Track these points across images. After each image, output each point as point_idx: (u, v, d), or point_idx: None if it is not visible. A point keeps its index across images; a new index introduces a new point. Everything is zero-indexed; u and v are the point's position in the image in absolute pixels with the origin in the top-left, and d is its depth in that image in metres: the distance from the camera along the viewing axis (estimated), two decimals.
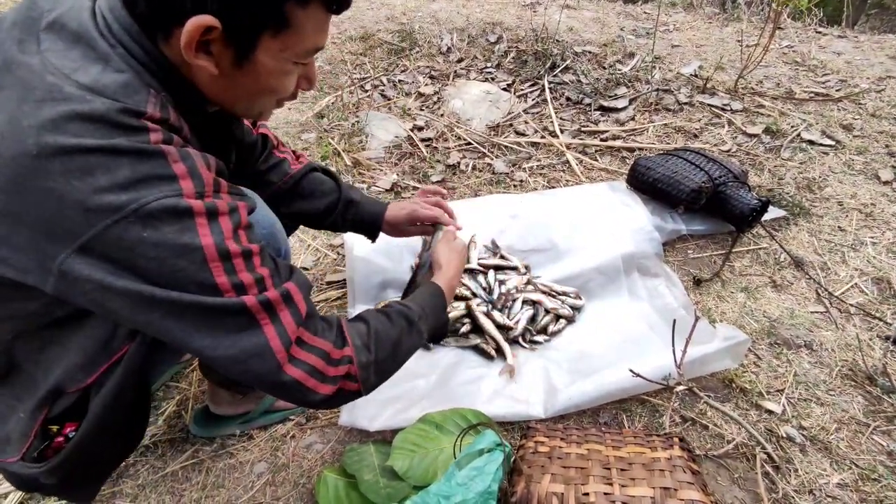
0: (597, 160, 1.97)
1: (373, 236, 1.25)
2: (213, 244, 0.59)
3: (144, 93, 0.59)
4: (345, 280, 1.45)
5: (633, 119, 2.17)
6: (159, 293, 0.58)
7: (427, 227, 1.24)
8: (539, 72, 2.41)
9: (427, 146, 2.07)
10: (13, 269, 0.58)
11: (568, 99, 2.30)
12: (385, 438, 1.08)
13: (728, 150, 1.95)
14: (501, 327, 1.31)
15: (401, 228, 1.23)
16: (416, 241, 1.51)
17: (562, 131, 2.12)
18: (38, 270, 0.58)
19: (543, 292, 1.39)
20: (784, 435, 1.08)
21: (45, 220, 0.55)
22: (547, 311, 1.34)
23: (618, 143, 2.04)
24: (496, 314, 1.31)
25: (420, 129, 2.16)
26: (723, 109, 2.15)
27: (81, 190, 0.54)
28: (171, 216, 0.57)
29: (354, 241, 1.47)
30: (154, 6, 0.58)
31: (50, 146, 0.53)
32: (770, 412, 1.13)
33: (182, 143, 0.61)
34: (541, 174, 1.93)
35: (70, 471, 0.73)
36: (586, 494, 0.82)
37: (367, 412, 1.10)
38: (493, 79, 2.43)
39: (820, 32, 2.87)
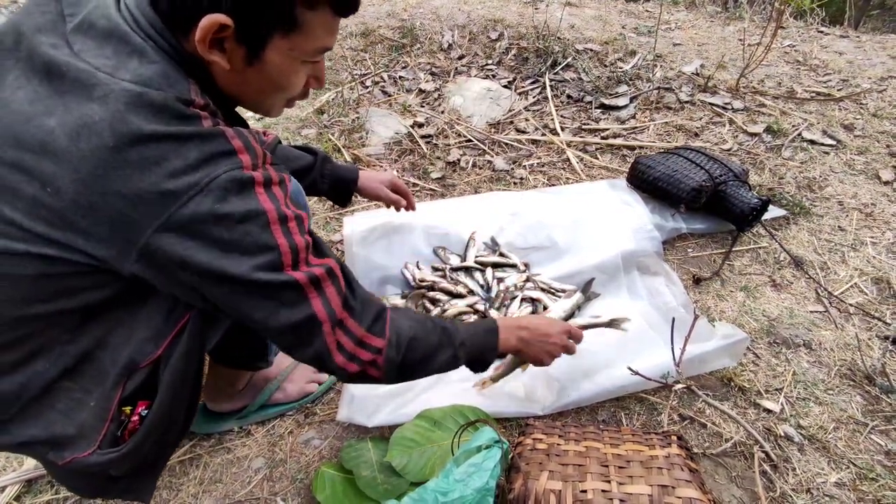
0: (597, 158, 1.97)
1: (348, 194, 1.30)
2: (273, 209, 0.65)
3: (185, 81, 0.63)
4: None
5: (633, 117, 2.16)
6: (227, 269, 0.62)
7: (395, 197, 1.36)
8: (540, 69, 2.40)
9: (427, 143, 2.06)
10: (93, 258, 0.62)
11: (569, 97, 2.29)
12: (383, 434, 1.08)
13: (729, 149, 1.94)
14: None
15: (375, 187, 1.32)
16: (419, 244, 1.50)
17: (562, 129, 2.12)
18: (116, 257, 0.62)
19: (543, 290, 1.39)
20: (782, 434, 1.08)
21: (123, 208, 0.59)
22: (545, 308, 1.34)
23: (618, 141, 2.03)
24: (493, 313, 1.31)
25: (420, 125, 2.16)
26: (724, 108, 2.14)
27: (158, 174, 0.58)
28: (237, 187, 0.62)
29: (353, 238, 1.47)
30: (175, 4, 0.62)
31: (125, 136, 0.57)
32: (768, 411, 1.13)
33: (226, 123, 0.66)
34: (541, 172, 1.92)
35: (144, 454, 0.75)
36: (584, 492, 0.82)
37: (365, 408, 1.09)
38: (494, 76, 2.42)
39: (822, 32, 2.86)
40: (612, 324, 1.18)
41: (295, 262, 0.67)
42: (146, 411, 0.74)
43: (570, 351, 1.04)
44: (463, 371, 1.21)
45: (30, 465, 1.08)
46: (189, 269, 0.62)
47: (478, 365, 0.95)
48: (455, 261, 1.47)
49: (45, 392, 0.70)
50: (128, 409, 0.74)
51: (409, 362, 0.79)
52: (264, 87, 0.73)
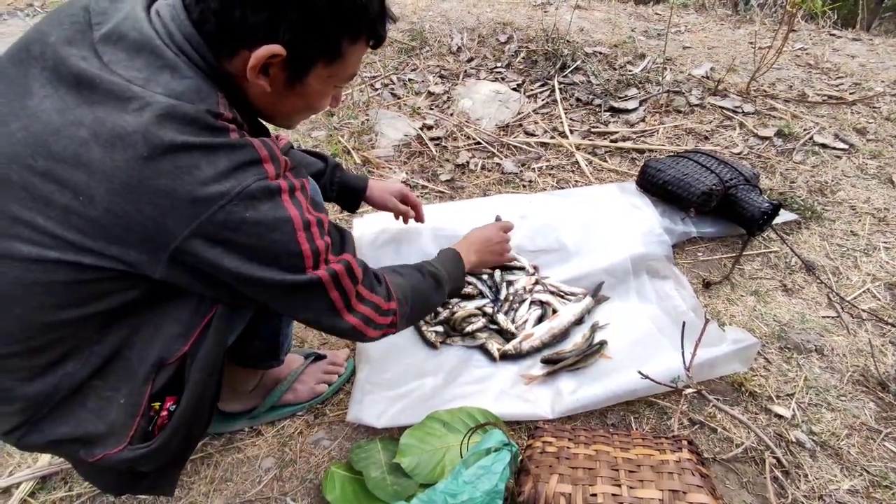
0: (606, 161, 1.97)
1: (356, 201, 1.32)
2: (298, 216, 0.68)
3: (214, 95, 0.64)
4: None
5: (643, 120, 2.16)
6: (255, 273, 0.67)
7: (404, 208, 1.37)
8: (549, 72, 2.40)
9: (436, 145, 2.07)
10: (124, 264, 0.64)
11: (578, 99, 2.29)
12: (392, 436, 1.08)
13: (739, 153, 1.93)
14: (505, 332, 1.30)
15: (384, 197, 1.34)
16: (428, 246, 1.50)
17: (571, 132, 2.12)
18: (148, 262, 0.64)
19: (552, 293, 1.39)
20: (794, 440, 1.07)
21: (156, 216, 0.61)
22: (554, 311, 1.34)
23: (628, 144, 2.03)
24: (500, 318, 1.31)
25: (429, 128, 2.16)
26: (734, 111, 2.13)
27: (190, 183, 0.60)
28: (265, 196, 0.65)
29: (363, 240, 1.48)
30: (227, 29, 0.64)
31: (159, 147, 0.59)
32: (780, 417, 1.12)
33: (250, 133, 0.68)
34: (550, 174, 1.92)
35: (172, 448, 0.78)
36: (594, 495, 0.81)
37: (374, 409, 1.10)
38: (503, 79, 2.43)
39: (834, 35, 2.84)
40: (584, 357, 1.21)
41: (316, 263, 0.71)
42: (174, 406, 0.76)
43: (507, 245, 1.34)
44: (473, 373, 1.22)
45: (44, 461, 1.09)
46: (221, 272, 0.66)
47: (453, 294, 1.15)
48: None
49: (76, 392, 0.71)
50: (157, 405, 0.75)
51: (414, 311, 0.93)
52: (298, 108, 0.78)
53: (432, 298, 0.99)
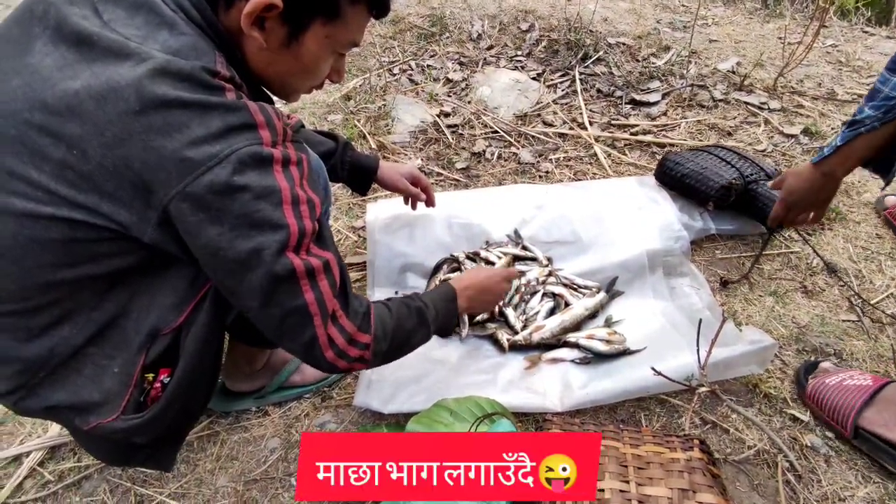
0: (625, 154, 1.93)
1: (367, 182, 1.30)
2: (288, 188, 0.65)
3: (212, 53, 0.63)
4: (365, 263, 1.44)
5: (665, 114, 2.11)
6: (233, 246, 0.63)
7: (415, 190, 1.34)
8: (570, 62, 2.36)
9: (453, 133, 2.05)
10: (116, 224, 0.63)
11: (599, 91, 2.25)
12: (398, 422, 1.08)
13: (763, 150, 1.88)
14: (511, 327, 1.29)
15: (395, 178, 1.31)
16: (441, 233, 1.49)
17: (591, 123, 2.08)
18: (138, 223, 0.63)
19: (565, 285, 1.37)
20: (808, 444, 1.05)
21: (145, 173, 0.60)
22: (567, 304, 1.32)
23: (648, 137, 1.99)
24: (509, 312, 1.29)
25: (447, 115, 2.14)
26: (760, 108, 2.08)
27: (179, 140, 0.59)
28: (255, 162, 0.62)
29: (376, 225, 1.47)
30: None
31: (151, 101, 0.57)
32: (795, 420, 1.09)
33: (250, 97, 0.66)
34: (567, 166, 1.89)
35: (167, 421, 0.77)
36: (601, 490, 0.80)
37: (381, 394, 1.09)
38: (522, 67, 2.39)
39: (867, 32, 2.75)
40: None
41: (298, 245, 0.67)
42: (168, 379, 0.76)
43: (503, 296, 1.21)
44: (482, 363, 1.21)
45: (54, 431, 1.10)
46: (199, 244, 0.64)
47: (441, 335, 1.08)
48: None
49: (72, 357, 0.71)
50: (150, 377, 0.75)
51: (392, 350, 0.84)
52: (293, 70, 0.75)
53: (414, 338, 0.89)
